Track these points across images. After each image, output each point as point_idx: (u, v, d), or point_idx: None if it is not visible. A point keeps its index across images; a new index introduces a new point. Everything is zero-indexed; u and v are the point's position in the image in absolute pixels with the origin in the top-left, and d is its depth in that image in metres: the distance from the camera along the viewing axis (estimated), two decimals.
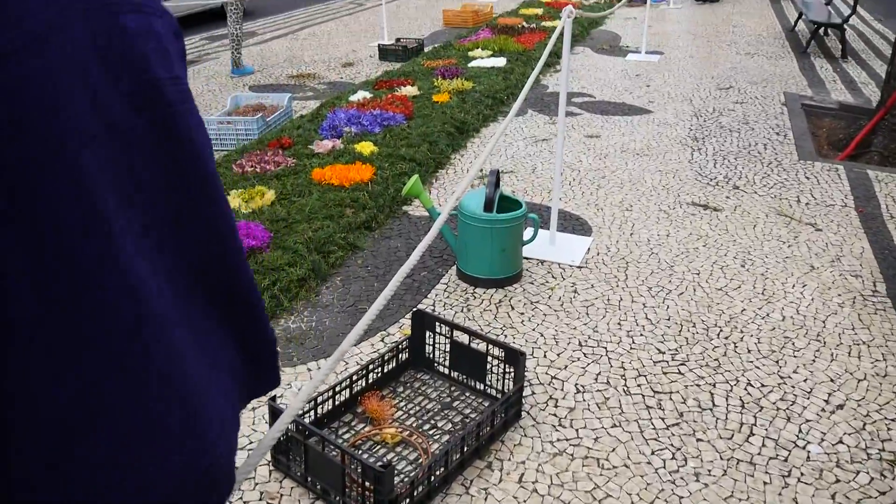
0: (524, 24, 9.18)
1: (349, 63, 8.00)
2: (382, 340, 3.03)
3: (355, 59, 8.22)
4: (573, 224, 4.10)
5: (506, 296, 3.37)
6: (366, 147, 4.70)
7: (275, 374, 0.73)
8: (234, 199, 3.92)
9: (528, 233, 3.58)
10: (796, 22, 9.76)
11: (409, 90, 6.04)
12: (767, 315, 3.24)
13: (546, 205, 4.33)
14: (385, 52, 8.10)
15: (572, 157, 5.11)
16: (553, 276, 3.54)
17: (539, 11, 10.30)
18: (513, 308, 3.28)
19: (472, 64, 7.10)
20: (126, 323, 0.49)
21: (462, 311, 3.25)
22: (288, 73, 7.60)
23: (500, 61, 7.13)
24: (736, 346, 3.01)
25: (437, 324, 2.73)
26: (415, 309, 2.82)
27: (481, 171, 4.84)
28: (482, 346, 2.63)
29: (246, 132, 5.18)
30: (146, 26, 0.53)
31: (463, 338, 2.73)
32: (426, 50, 8.29)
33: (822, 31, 8.93)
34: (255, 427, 2.53)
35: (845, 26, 8.24)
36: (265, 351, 0.69)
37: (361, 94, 5.97)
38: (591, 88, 6.89)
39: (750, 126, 5.77)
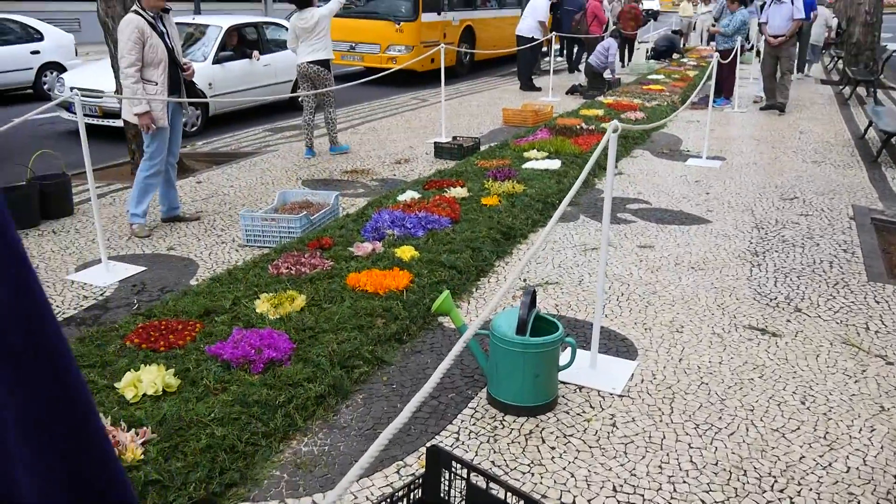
0: (583, 125, 9.12)
1: (404, 160, 8.02)
2: (398, 472, 2.80)
3: (411, 155, 8.25)
4: (617, 345, 3.84)
5: (537, 426, 3.11)
6: (406, 252, 4.57)
7: None
8: (263, 304, 3.81)
9: (565, 356, 3.34)
10: (866, 129, 9.44)
11: (459, 191, 5.95)
12: (829, 465, 2.89)
13: (591, 321, 4.08)
14: (441, 150, 8.11)
15: (622, 269, 4.88)
16: (591, 406, 3.27)
17: (600, 112, 10.24)
18: (543, 441, 3.01)
19: (526, 165, 7.01)
20: None
21: (488, 441, 3.01)
22: (343, 167, 7.64)
23: (555, 164, 7.02)
24: (792, 502, 2.67)
25: (454, 462, 2.49)
26: (430, 445, 2.59)
27: (525, 280, 4.64)
28: (501, 493, 2.38)
29: (289, 230, 5.12)
30: None
31: (482, 480, 2.47)
32: (482, 148, 8.27)
33: (893, 140, 8.59)
34: None
35: None
36: None
37: (410, 194, 5.90)
38: (648, 194, 6.69)
39: (815, 241, 5.46)
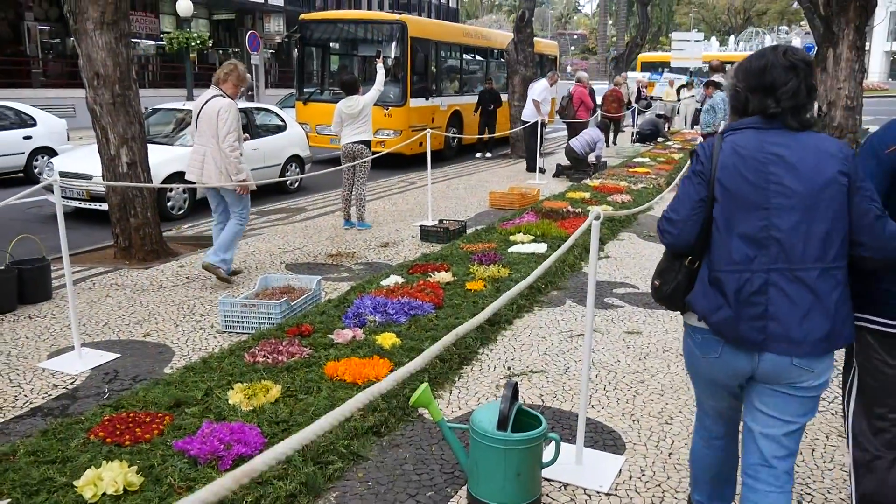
0: (569, 208, 9.15)
1: (390, 243, 7.98)
2: None
3: (397, 238, 8.22)
4: (604, 438, 3.69)
5: None
6: (387, 339, 4.46)
7: None
8: (237, 395, 3.67)
9: (549, 452, 3.20)
10: None
11: (443, 276, 5.88)
12: None
13: (577, 413, 3.95)
14: (427, 234, 8.09)
15: (609, 357, 4.77)
16: None
17: (586, 195, 10.30)
18: None
19: (512, 249, 6.97)
20: None
21: None
22: (328, 251, 7.59)
23: (541, 247, 6.99)
24: None
25: None
26: None
27: (509, 368, 4.52)
28: None
29: (268, 316, 5.01)
30: None
31: None
32: (468, 232, 8.25)
33: None
34: None
35: None
36: None
37: (393, 279, 5.82)
38: (635, 278, 6.64)
39: None
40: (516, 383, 3.05)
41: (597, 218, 3.17)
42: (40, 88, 22.93)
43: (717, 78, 13.27)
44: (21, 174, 12.85)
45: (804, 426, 2.38)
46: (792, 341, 2.21)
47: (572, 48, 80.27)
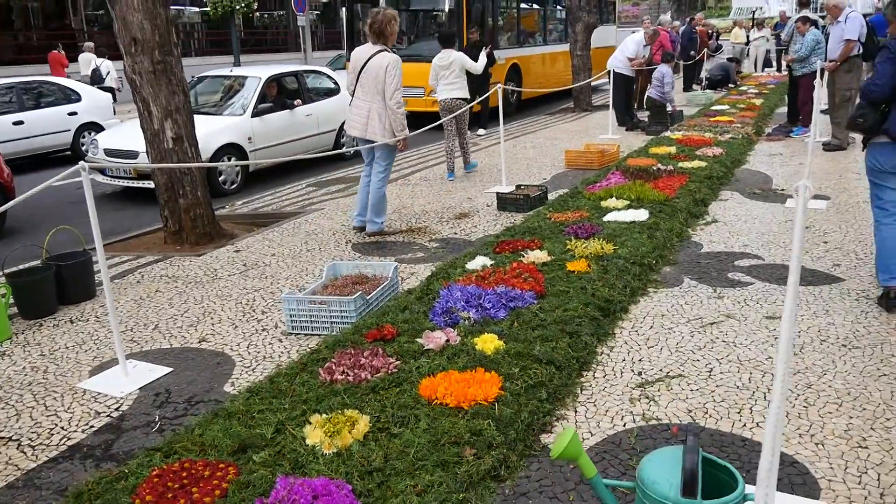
0: (659, 165, 8.17)
1: (464, 214, 7.15)
2: None
3: (471, 208, 7.38)
4: (788, 474, 2.84)
5: None
6: (488, 342, 3.66)
7: None
8: (315, 431, 2.91)
9: None
10: None
11: (538, 255, 5.04)
12: None
13: (739, 434, 3.10)
14: (504, 202, 7.23)
15: (755, 351, 3.90)
16: None
17: (672, 150, 9.28)
18: None
19: (608, 217, 6.08)
20: None
21: None
22: (396, 225, 6.81)
23: (642, 214, 6.07)
24: None
25: None
26: None
27: (640, 374, 3.68)
28: None
29: (341, 316, 4.26)
30: None
31: None
32: (551, 197, 7.37)
33: None
34: None
35: None
36: None
37: (480, 261, 5.01)
38: (755, 246, 5.69)
39: None
40: (699, 430, 2.22)
41: (805, 193, 2.28)
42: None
43: (808, 13, 11.92)
44: (69, 152, 12.39)
45: None
46: None
47: None
